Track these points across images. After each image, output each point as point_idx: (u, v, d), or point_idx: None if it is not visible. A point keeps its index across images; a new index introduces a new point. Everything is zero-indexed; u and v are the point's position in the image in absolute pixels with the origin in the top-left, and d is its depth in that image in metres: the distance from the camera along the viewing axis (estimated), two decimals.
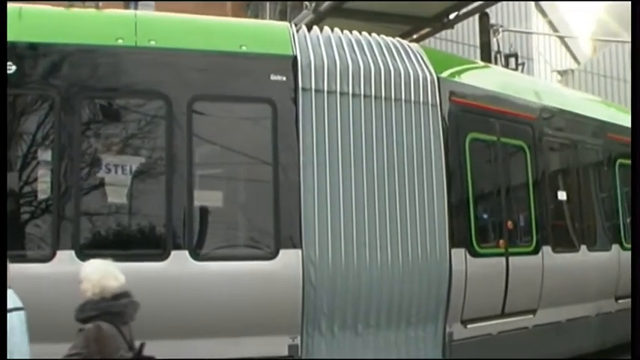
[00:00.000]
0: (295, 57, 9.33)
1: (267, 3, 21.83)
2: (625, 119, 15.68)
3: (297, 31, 9.91)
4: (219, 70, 9.04)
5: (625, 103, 23.37)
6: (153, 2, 18.26)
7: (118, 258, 8.17)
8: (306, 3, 17.94)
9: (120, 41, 8.75)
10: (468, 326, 10.50)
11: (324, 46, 9.72)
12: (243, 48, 9.18)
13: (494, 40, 18.88)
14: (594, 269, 13.23)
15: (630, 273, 14.05)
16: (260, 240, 9.07)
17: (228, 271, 8.73)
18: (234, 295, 8.66)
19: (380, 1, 17.74)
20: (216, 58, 9.06)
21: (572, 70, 27.45)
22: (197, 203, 8.79)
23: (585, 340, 13.19)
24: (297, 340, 9.02)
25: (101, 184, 8.64)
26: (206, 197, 9.07)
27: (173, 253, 8.49)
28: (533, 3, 27.74)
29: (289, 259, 8.86)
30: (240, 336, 8.71)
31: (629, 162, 14.81)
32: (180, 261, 8.49)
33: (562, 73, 27.94)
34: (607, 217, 14.18)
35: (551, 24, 29.62)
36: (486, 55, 18.55)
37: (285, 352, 8.98)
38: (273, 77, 9.16)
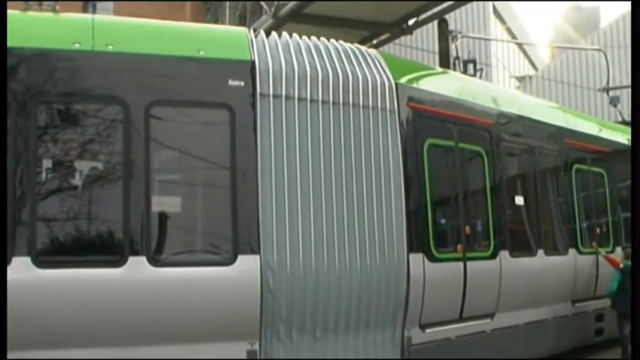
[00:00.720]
0: (253, 62, 9.32)
1: (227, 8, 21.80)
2: (581, 125, 15.92)
3: (256, 36, 9.88)
4: (177, 75, 8.99)
5: (581, 109, 23.73)
6: (111, 3, 18.16)
7: (74, 264, 8.20)
8: (266, 8, 17.96)
9: (77, 45, 8.67)
10: (427, 330, 10.55)
11: (282, 52, 9.72)
12: (201, 53, 9.15)
13: (452, 47, 19.04)
14: (551, 273, 13.37)
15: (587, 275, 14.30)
16: (218, 245, 9.02)
17: (186, 277, 8.68)
18: (192, 301, 8.61)
19: (341, 1, 17.77)
20: (173, 63, 9.00)
21: (530, 77, 27.75)
22: (155, 209, 8.73)
23: (542, 344, 13.31)
24: (256, 346, 8.99)
25: (58, 189, 8.54)
26: (164, 203, 8.99)
27: (130, 259, 8.42)
28: (491, 10, 27.97)
29: (247, 264, 8.84)
30: (199, 342, 8.67)
31: (585, 167, 15.05)
32: (137, 267, 8.42)
33: (520, 79, 28.23)
34: (564, 221, 14.32)
35: (509, 31, 29.92)
36: (445, 61, 18.69)
37: (243, 358, 8.93)
38: (231, 82, 9.13)
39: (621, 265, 14.28)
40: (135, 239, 8.55)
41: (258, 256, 8.88)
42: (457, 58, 18.68)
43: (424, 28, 21.54)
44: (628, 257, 14.43)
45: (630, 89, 7.07)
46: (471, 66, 18.57)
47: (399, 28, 19.83)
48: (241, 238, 8.91)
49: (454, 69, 17.96)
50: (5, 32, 7.63)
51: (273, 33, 10.30)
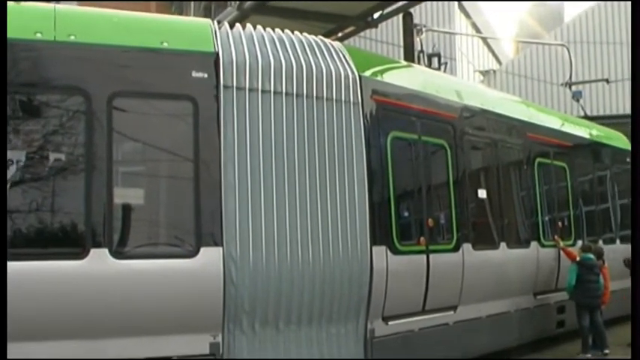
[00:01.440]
0: (217, 54, 9.28)
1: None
2: (544, 119, 16.04)
3: (220, 28, 9.84)
4: (140, 67, 8.94)
5: (545, 103, 23.90)
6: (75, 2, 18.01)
7: (36, 256, 8.12)
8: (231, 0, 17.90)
9: (38, 35, 8.58)
10: (390, 323, 10.58)
11: (246, 44, 9.69)
12: (165, 44, 9.09)
13: (417, 40, 19.11)
14: (513, 266, 13.49)
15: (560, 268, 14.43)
16: (181, 238, 8.98)
17: (149, 270, 8.65)
18: (155, 294, 8.58)
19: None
20: (136, 54, 8.95)
21: (494, 71, 27.90)
22: (117, 201, 8.66)
23: (505, 336, 13.43)
24: (219, 338, 8.98)
25: (19, 181, 8.45)
26: (126, 195, 8.94)
27: (92, 251, 8.36)
28: (456, 5, 28.08)
29: (210, 256, 8.82)
30: (162, 335, 8.65)
31: (548, 161, 15.18)
32: (99, 259, 8.36)
33: (484, 73, 28.41)
34: (526, 214, 14.45)
35: (474, 26, 30.04)
36: (409, 54, 18.76)
37: (206, 351, 8.93)
38: (194, 74, 9.09)
39: (578, 258, 14.45)
40: (97, 231, 8.50)
41: (220, 249, 8.86)
42: (422, 51, 18.76)
43: (389, 21, 21.55)
44: (585, 250, 14.62)
45: (630, 89, 7.11)
46: (435, 59, 18.67)
47: (364, 21, 19.82)
48: (204, 230, 8.88)
49: (419, 62, 18.04)
50: (5, 32, 7.58)
51: (237, 25, 10.28)
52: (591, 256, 14.55)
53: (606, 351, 14.19)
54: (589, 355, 14.13)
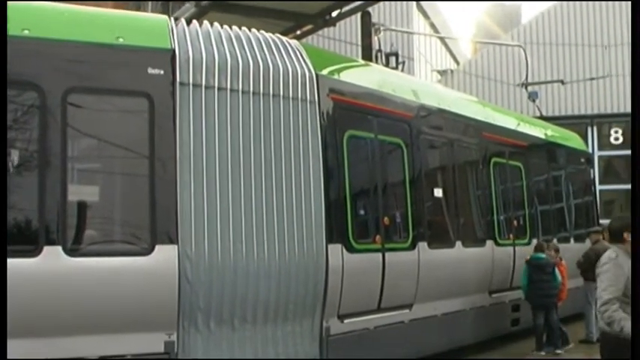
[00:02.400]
0: (174, 51, 9.22)
1: None
2: (500, 119, 16.18)
3: (177, 24, 9.80)
4: (95, 62, 8.85)
5: (501, 103, 24.10)
6: None
7: None
8: None
9: None
10: (345, 321, 10.61)
11: (203, 41, 9.65)
12: (120, 40, 9.02)
13: (375, 39, 19.15)
14: (469, 264, 13.60)
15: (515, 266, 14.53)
16: (136, 235, 8.92)
17: (103, 267, 8.58)
18: (109, 292, 8.52)
19: None
20: (91, 50, 8.85)
21: (452, 71, 28.08)
22: (71, 198, 8.59)
23: (460, 334, 13.52)
24: (174, 337, 8.92)
25: None
26: (81, 192, 8.88)
27: (46, 248, 8.27)
28: (415, 5, 28.21)
29: (165, 254, 8.77)
30: (116, 333, 8.57)
31: (503, 160, 15.31)
32: (53, 257, 8.28)
33: (442, 73, 28.57)
34: (482, 213, 14.56)
35: (433, 26, 30.19)
36: (367, 53, 18.79)
37: (161, 349, 8.88)
38: (150, 71, 9.03)
39: (528, 257, 14.64)
40: (50, 228, 8.40)
41: (176, 246, 8.81)
42: (379, 50, 18.81)
43: (347, 20, 21.62)
44: (537, 250, 14.77)
45: (631, 89, 7.15)
46: (393, 59, 18.72)
47: (322, 20, 19.84)
48: (159, 228, 8.82)
49: (376, 61, 18.07)
50: (5, 32, 7.51)
51: (194, 22, 10.23)
52: (542, 255, 14.69)
53: (558, 351, 14.32)
54: (542, 353, 14.28)
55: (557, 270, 14.61)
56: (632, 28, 6.88)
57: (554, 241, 16.33)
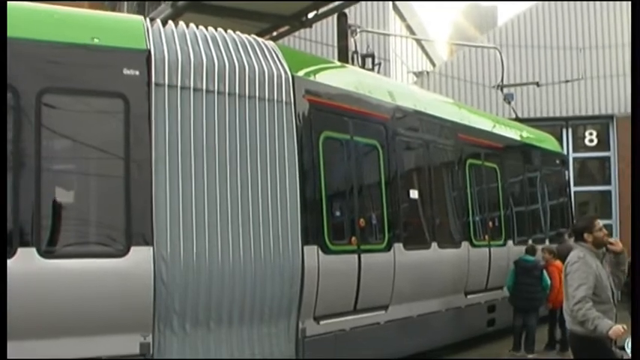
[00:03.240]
0: (149, 51, 9.20)
1: None
2: (476, 120, 16.24)
3: (152, 25, 9.76)
4: (70, 63, 8.80)
5: (477, 105, 24.17)
6: None
7: None
8: None
9: None
10: (321, 322, 10.62)
11: (178, 42, 9.62)
12: (96, 41, 8.98)
13: (351, 41, 19.17)
14: (445, 266, 13.64)
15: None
16: (111, 237, 8.89)
17: (78, 269, 8.53)
18: (84, 294, 8.47)
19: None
20: (67, 50, 8.80)
21: (428, 72, 28.13)
22: (46, 199, 8.53)
23: (436, 335, 13.54)
24: (149, 339, 8.89)
25: None
26: (55, 193, 8.81)
27: (20, 250, 8.20)
28: (391, 6, 28.25)
29: (140, 256, 8.74)
30: (91, 335, 8.53)
31: (479, 162, 15.37)
32: (27, 259, 8.21)
33: (418, 74, 28.61)
34: (458, 215, 14.60)
35: (409, 28, 30.25)
36: (343, 54, 18.81)
37: (136, 351, 8.85)
38: (125, 71, 9.00)
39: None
40: (25, 230, 8.35)
41: (151, 248, 8.79)
42: (356, 52, 18.84)
43: (324, 21, 21.62)
44: (527, 252, 14.82)
45: (631, 89, 7.18)
46: (369, 60, 18.75)
47: (298, 21, 19.83)
48: (134, 229, 8.80)
49: (352, 63, 18.09)
50: (5, 32, 7.48)
51: (170, 22, 10.20)
52: (531, 258, 14.73)
53: (530, 356, 14.32)
54: (519, 355, 14.32)
55: (545, 273, 14.58)
56: (632, 28, 6.92)
57: (529, 242, 16.37)
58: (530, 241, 16.45)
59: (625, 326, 7.16)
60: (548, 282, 14.56)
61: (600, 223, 8.16)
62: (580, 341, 7.69)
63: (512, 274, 14.66)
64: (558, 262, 14.81)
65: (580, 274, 7.64)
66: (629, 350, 7.14)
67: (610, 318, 7.49)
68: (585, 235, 7.97)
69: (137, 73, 9.06)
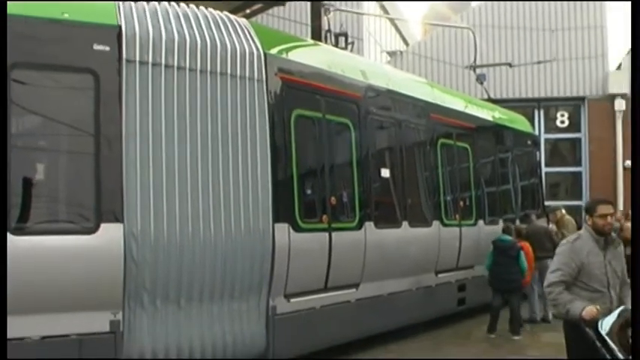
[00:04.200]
0: (120, 27, 9.12)
1: None
2: (448, 100, 16.27)
3: (123, 1, 9.68)
4: (40, 38, 8.72)
5: (450, 85, 24.23)
6: None
7: None
8: None
9: None
10: (292, 300, 10.64)
11: (150, 18, 9.53)
12: (65, 15, 8.90)
13: (325, 19, 19.10)
14: (415, 244, 13.69)
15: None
16: (80, 214, 8.85)
17: (47, 246, 8.50)
18: (53, 271, 8.45)
19: None
20: (36, 25, 8.70)
21: (401, 52, 28.13)
22: (14, 175, 8.42)
23: (407, 313, 13.60)
24: (119, 316, 8.88)
25: None
26: (24, 169, 8.75)
27: None
28: None
29: (110, 233, 8.72)
30: (60, 312, 8.51)
31: (451, 142, 15.42)
32: None
33: (391, 54, 28.59)
34: (429, 194, 14.65)
35: (383, 7, 30.21)
36: (317, 33, 18.75)
37: (106, 328, 8.84)
38: (96, 47, 8.93)
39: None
40: None
41: (121, 225, 8.77)
42: (329, 30, 18.77)
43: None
44: (503, 231, 14.86)
45: (630, 91, 7.16)
46: (342, 39, 18.70)
47: None
48: (104, 206, 8.77)
49: (325, 42, 18.04)
50: (5, 32, 7.41)
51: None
52: (507, 238, 14.72)
53: (516, 337, 14.26)
54: (493, 336, 14.26)
55: (522, 254, 14.55)
56: (632, 28, 6.91)
57: (500, 222, 16.46)
58: (501, 221, 16.53)
59: (598, 307, 6.92)
60: (525, 263, 14.60)
61: (609, 209, 7.52)
62: (568, 323, 7.35)
63: (491, 255, 14.62)
64: (524, 243, 14.95)
65: (560, 258, 7.41)
66: (603, 332, 6.93)
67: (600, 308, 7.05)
68: (587, 217, 7.58)
69: (108, 48, 8.99)
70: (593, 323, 6.86)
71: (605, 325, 6.80)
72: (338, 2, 22.22)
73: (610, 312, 6.95)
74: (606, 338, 6.71)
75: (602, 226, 7.38)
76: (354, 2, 25.33)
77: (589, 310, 6.90)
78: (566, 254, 7.40)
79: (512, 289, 14.49)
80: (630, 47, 7.23)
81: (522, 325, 14.80)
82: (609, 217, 7.45)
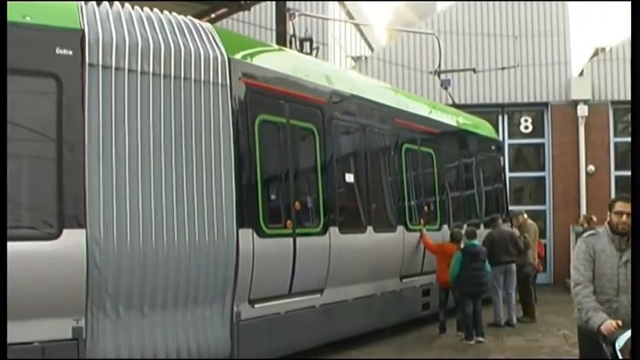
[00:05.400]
0: (83, 31, 9.06)
1: None
2: (412, 106, 16.33)
3: (86, 4, 9.60)
4: None
5: (415, 90, 24.30)
6: None
7: None
8: None
9: None
10: (256, 306, 10.63)
11: (113, 22, 9.46)
12: (27, 19, 8.82)
13: (290, 24, 19.08)
14: (380, 249, 13.72)
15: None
16: (43, 219, 8.77)
17: (9, 252, 8.32)
18: (14, 277, 8.29)
19: None
20: None
21: (366, 57, 28.15)
22: None
23: (371, 318, 13.64)
24: (82, 322, 8.82)
25: None
26: None
27: None
28: None
29: (73, 239, 8.66)
30: (22, 319, 8.34)
31: (415, 147, 15.47)
32: None
33: (356, 59, 28.61)
34: (393, 199, 14.70)
35: (348, 13, 30.21)
36: (281, 38, 18.72)
37: (69, 335, 8.78)
38: (58, 51, 8.87)
39: (462, 245, 14.71)
40: None
41: (84, 231, 8.70)
42: (294, 35, 18.76)
43: (262, 4, 21.54)
44: (469, 236, 14.87)
45: (631, 89, 7.09)
46: (307, 44, 18.67)
47: (236, 4, 19.68)
48: (66, 211, 8.72)
49: (290, 47, 18.02)
50: (5, 32, 7.37)
51: (105, 2, 10.03)
52: (476, 242, 14.77)
53: (480, 339, 14.26)
54: (472, 342, 14.18)
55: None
56: (632, 28, 6.91)
57: (465, 227, 16.49)
58: (465, 226, 16.59)
59: (620, 322, 6.56)
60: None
61: (624, 206, 7.04)
62: (583, 332, 7.13)
63: (459, 261, 14.40)
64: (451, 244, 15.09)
65: (575, 256, 7.22)
66: (618, 347, 6.39)
67: (606, 312, 6.81)
68: (608, 214, 7.24)
69: (70, 52, 8.93)
70: (611, 339, 6.56)
71: (621, 341, 6.48)
72: (303, 6, 22.23)
73: (625, 323, 6.56)
74: (618, 354, 6.43)
75: (617, 224, 7.09)
76: (320, 7, 25.31)
77: (607, 325, 6.61)
78: (577, 251, 7.22)
79: (482, 292, 14.58)
80: (630, 47, 7.26)
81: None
82: (624, 216, 7.03)
